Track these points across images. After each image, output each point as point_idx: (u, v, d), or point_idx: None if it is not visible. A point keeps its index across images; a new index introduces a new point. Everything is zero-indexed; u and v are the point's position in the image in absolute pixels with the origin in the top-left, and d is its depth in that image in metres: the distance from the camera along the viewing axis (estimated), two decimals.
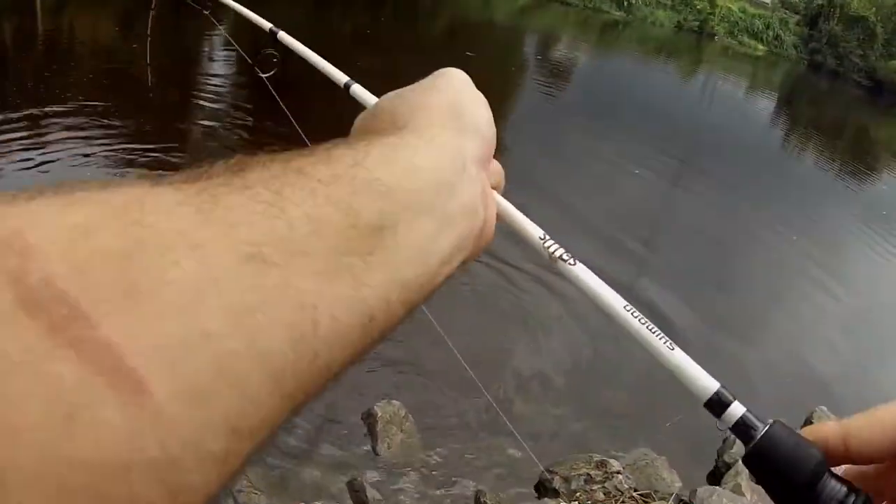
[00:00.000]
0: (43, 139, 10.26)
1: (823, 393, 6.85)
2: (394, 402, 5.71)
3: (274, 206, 0.40)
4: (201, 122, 11.38)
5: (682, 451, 5.81)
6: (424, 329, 6.68)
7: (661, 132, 12.49)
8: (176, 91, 12.10)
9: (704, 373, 0.63)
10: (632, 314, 0.65)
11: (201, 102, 11.76)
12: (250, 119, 11.18)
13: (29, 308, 0.29)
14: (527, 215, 0.72)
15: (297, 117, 2.43)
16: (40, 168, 9.44)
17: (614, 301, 0.66)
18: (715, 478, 5.73)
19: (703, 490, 5.23)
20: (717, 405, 0.62)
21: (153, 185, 0.38)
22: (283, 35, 1.68)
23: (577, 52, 19.47)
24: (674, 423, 6.01)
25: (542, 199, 8.76)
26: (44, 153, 9.78)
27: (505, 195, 0.73)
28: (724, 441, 5.96)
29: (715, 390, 0.62)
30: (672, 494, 5.27)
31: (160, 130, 11.04)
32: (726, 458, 5.84)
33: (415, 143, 0.55)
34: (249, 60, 2.10)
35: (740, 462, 5.72)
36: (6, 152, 9.85)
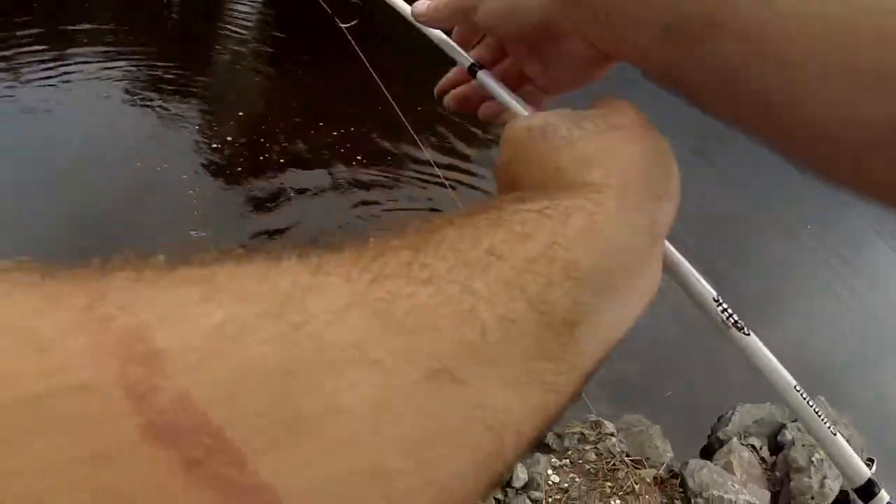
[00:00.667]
0: (63, 53, 10.27)
1: (825, 383, 6.84)
2: None
3: (463, 306, 0.34)
4: (230, 47, 11.25)
5: (676, 422, 5.80)
6: None
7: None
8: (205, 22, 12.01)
9: (859, 459, 0.63)
10: (801, 395, 0.62)
11: (230, 33, 11.57)
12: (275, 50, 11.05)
13: (160, 435, 0.23)
14: None
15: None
16: (61, 79, 9.46)
17: (787, 380, 0.63)
18: (707, 453, 5.73)
19: (694, 462, 5.24)
20: (866, 492, 0.61)
21: (313, 271, 0.31)
22: None
23: None
24: (672, 394, 6.01)
25: None
26: (64, 67, 9.75)
27: None
28: (719, 418, 5.97)
29: (867, 478, 0.62)
30: (663, 464, 5.29)
31: (184, 53, 10.94)
32: (720, 434, 5.84)
33: (613, 213, 0.46)
34: (328, 9, 1.99)
35: (734, 440, 5.78)
36: (25, 64, 9.85)
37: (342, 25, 1.94)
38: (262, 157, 8.10)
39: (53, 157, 8.12)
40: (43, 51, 10.25)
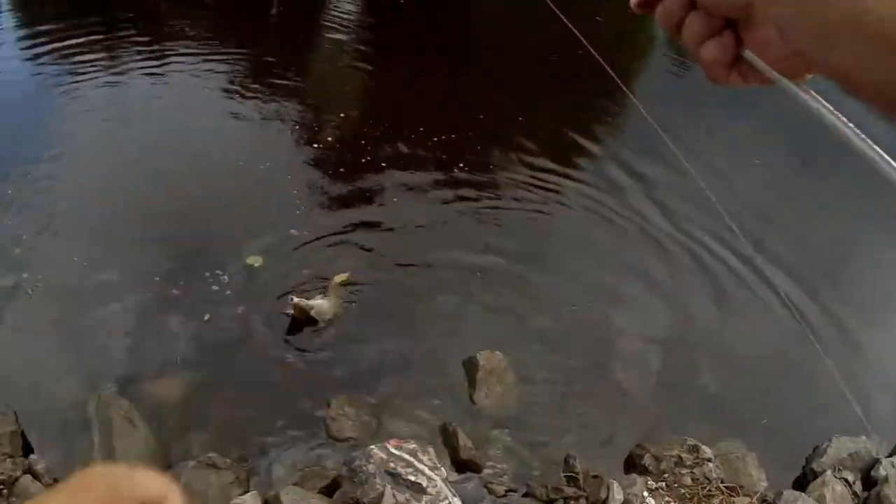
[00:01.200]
0: (164, 50, 10.66)
1: None
2: (497, 353, 5.79)
3: None
4: (331, 47, 11.60)
5: (772, 451, 5.70)
6: (541, 288, 6.85)
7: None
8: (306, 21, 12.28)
9: None
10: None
11: (332, 32, 11.82)
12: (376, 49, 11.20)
13: None
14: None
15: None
16: (163, 77, 9.86)
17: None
18: (801, 484, 5.60)
19: (789, 494, 5.15)
20: None
21: None
22: None
23: None
24: (769, 421, 5.89)
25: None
26: (164, 63, 10.16)
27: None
28: (815, 449, 5.81)
29: None
30: (757, 493, 5.19)
31: (286, 52, 11.22)
32: (815, 466, 5.70)
33: None
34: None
35: (828, 473, 5.64)
36: (131, 60, 10.30)
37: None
38: (363, 159, 8.30)
39: (156, 153, 8.54)
40: (146, 47, 10.76)
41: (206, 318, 6.04)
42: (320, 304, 5.94)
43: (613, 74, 4.63)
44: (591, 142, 9.22)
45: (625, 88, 5.70)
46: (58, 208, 7.11)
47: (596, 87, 10.03)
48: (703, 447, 5.24)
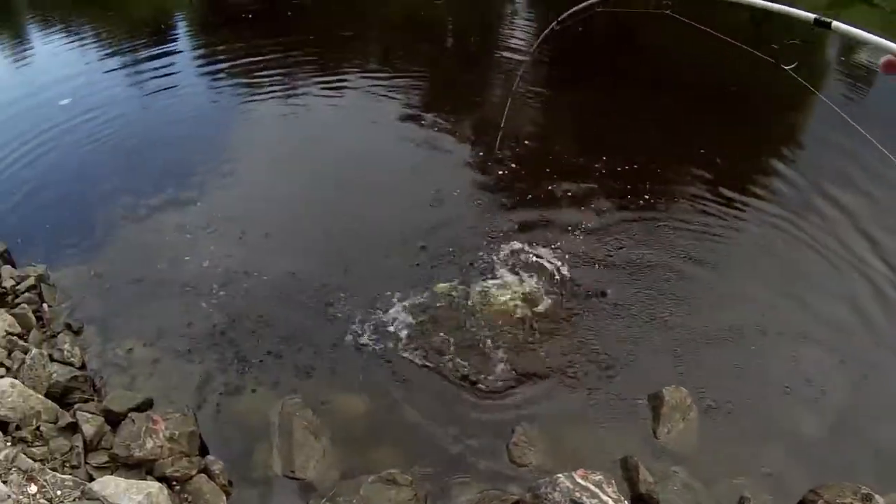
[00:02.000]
0: (340, 69, 11.03)
1: None
2: (682, 389, 5.73)
3: None
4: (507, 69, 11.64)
5: None
6: (731, 320, 6.61)
7: None
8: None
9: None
10: None
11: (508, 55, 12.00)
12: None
13: None
14: None
15: None
16: (337, 95, 10.19)
17: None
18: None
19: None
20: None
21: None
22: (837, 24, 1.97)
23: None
24: None
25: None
26: (340, 82, 10.47)
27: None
28: None
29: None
30: None
31: (460, 71, 11.42)
32: None
33: None
34: (771, 59, 2.13)
35: None
36: (308, 78, 10.64)
37: (786, 68, 2.11)
38: (545, 181, 8.34)
39: (331, 170, 8.78)
40: (322, 67, 11.19)
41: (397, 341, 6.16)
42: None
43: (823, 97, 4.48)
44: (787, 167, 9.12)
45: (838, 111, 5.47)
46: (242, 221, 7.52)
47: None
48: (876, 497, 5.06)
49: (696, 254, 7.41)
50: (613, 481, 4.48)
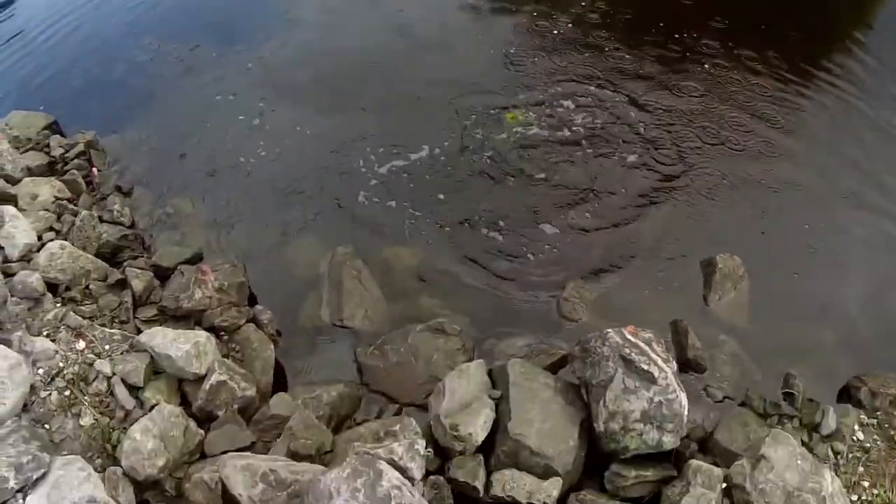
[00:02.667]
0: None
1: None
2: (736, 258, 5.67)
3: None
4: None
5: None
6: (793, 201, 6.50)
7: None
8: None
9: None
10: None
11: None
12: None
13: None
14: None
15: None
16: None
17: None
18: None
19: None
20: None
21: None
22: None
23: None
24: None
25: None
26: None
27: None
28: None
29: None
30: None
31: None
32: None
33: None
34: None
35: None
36: None
37: None
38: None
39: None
40: None
41: (440, 196, 6.19)
42: None
43: None
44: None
45: None
46: (290, 81, 7.39)
47: None
48: None
49: (767, 115, 7.30)
50: (662, 342, 4.47)
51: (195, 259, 5.52)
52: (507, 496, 4.19)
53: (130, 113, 7.05)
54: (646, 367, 4.20)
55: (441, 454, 4.42)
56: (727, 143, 6.90)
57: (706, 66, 7.94)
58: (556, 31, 8.27)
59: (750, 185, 6.55)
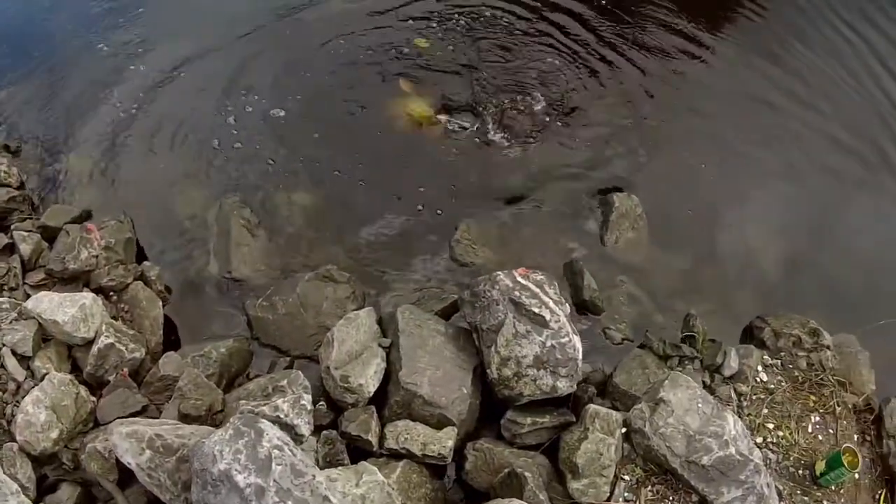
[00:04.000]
0: None
1: None
2: (633, 196, 5.61)
3: None
4: None
5: (886, 354, 5.44)
6: (688, 140, 6.43)
7: None
8: None
9: None
10: None
11: None
12: None
13: None
14: None
15: None
16: None
17: None
18: None
19: None
20: None
21: None
22: None
23: None
24: (888, 322, 5.62)
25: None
26: None
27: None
28: None
29: None
30: (865, 394, 4.98)
31: None
32: None
33: None
34: None
35: None
36: None
37: None
38: None
39: None
40: None
41: (327, 139, 5.97)
42: None
43: None
44: None
45: None
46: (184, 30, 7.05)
47: None
48: (825, 333, 5.01)
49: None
50: (556, 283, 4.36)
51: (83, 217, 5.27)
52: (402, 448, 4.09)
53: (15, 68, 6.64)
54: (537, 311, 4.10)
55: (334, 407, 4.29)
56: (627, 81, 6.83)
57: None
58: None
59: (649, 121, 6.51)
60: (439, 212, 5.49)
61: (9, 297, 4.70)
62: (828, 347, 4.98)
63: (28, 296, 4.79)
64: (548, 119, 6.38)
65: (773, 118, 6.98)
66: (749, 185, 6.17)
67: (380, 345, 4.31)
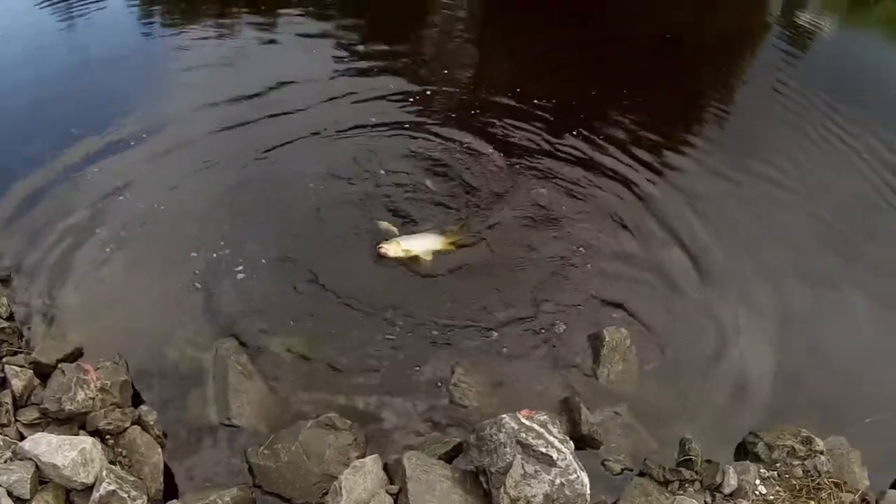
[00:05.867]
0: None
1: None
2: (622, 330, 5.76)
3: None
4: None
5: (875, 450, 5.60)
6: (671, 269, 6.71)
7: None
8: None
9: None
10: None
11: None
12: None
13: None
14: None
15: None
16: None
17: None
18: None
19: (892, 494, 5.07)
20: None
21: None
22: None
23: (822, 21, 17.63)
24: (873, 420, 5.80)
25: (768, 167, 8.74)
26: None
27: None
28: None
29: None
30: (859, 490, 5.12)
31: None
32: None
33: None
34: None
35: None
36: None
37: None
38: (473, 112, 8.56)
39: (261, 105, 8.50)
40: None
41: (326, 280, 6.03)
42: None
43: None
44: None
45: None
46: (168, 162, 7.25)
47: None
48: (817, 439, 5.15)
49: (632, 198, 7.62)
50: (559, 422, 4.44)
51: (76, 355, 5.19)
52: None
53: (6, 198, 6.63)
54: (544, 451, 4.15)
55: None
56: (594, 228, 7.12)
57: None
58: None
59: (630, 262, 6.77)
60: (435, 353, 5.55)
61: (2, 436, 4.61)
62: (821, 452, 5.11)
63: (20, 434, 4.69)
64: (532, 251, 6.64)
65: (749, 230, 7.38)
66: (728, 303, 6.45)
67: (387, 492, 4.30)
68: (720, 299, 6.47)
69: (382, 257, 6.14)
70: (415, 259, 6.21)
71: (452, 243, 6.40)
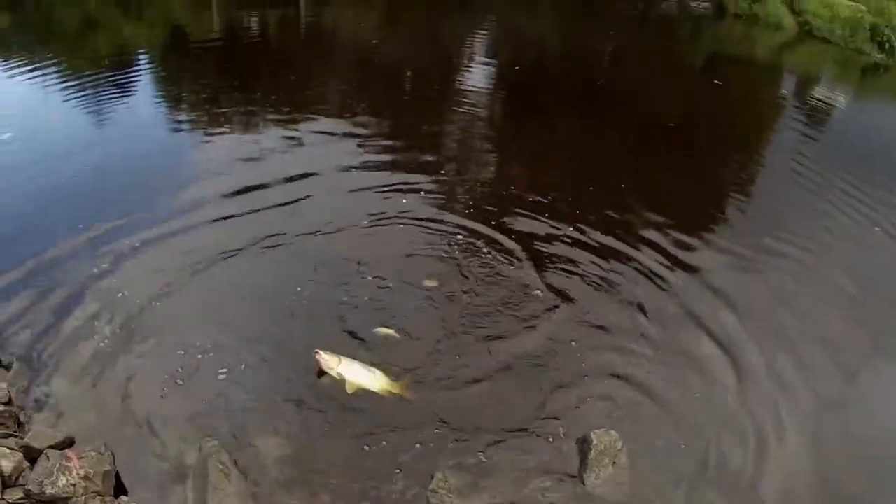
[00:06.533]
0: (299, 119, 11.56)
1: None
2: (612, 432, 5.57)
3: None
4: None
5: None
6: (664, 366, 6.67)
7: None
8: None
9: None
10: None
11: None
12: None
13: None
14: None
15: None
16: (299, 144, 10.66)
17: None
18: None
19: None
20: None
21: None
22: None
23: (835, 95, 17.89)
24: None
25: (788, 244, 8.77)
26: (300, 133, 11.03)
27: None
28: None
29: None
30: None
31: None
32: None
33: None
34: None
35: None
36: (270, 129, 11.20)
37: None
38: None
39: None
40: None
41: (307, 384, 6.05)
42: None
43: None
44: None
45: None
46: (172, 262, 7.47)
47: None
48: None
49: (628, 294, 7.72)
50: None
51: (66, 443, 5.30)
52: None
53: (13, 285, 6.89)
54: None
55: None
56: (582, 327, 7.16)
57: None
58: None
59: (618, 363, 6.74)
60: (416, 458, 5.47)
61: None
62: None
63: None
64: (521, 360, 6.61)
65: (755, 328, 7.38)
66: (725, 405, 6.35)
67: None
68: (716, 399, 6.39)
69: (316, 363, 6.07)
70: (341, 382, 6.04)
71: (389, 391, 6.08)
